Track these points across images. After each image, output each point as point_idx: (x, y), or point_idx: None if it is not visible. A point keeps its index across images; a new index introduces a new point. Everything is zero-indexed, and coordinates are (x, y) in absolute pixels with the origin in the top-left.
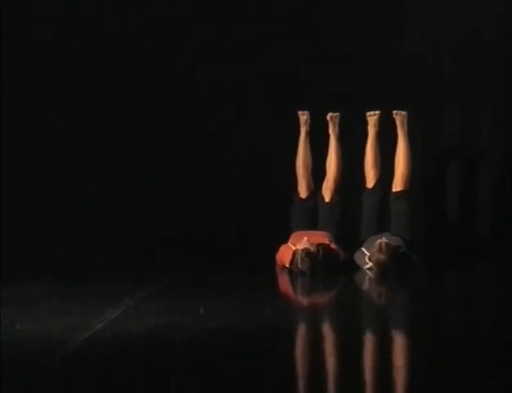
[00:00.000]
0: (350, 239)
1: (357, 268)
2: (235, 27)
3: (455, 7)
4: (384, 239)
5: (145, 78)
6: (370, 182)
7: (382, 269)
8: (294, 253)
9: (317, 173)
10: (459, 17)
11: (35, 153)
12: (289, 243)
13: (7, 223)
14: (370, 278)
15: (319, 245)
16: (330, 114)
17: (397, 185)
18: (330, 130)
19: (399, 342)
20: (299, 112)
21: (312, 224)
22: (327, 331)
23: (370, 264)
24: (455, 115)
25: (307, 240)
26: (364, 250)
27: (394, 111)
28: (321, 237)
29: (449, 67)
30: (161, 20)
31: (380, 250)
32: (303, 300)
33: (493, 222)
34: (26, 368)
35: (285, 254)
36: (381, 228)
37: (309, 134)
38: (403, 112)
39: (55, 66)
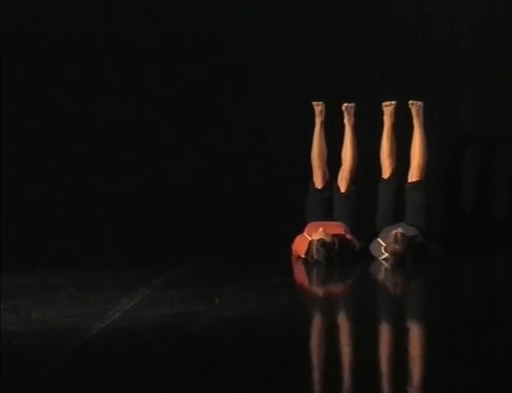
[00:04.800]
0: (366, 229)
1: (372, 258)
2: (247, 17)
3: None
4: (399, 229)
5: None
6: (386, 172)
7: (398, 260)
8: (310, 243)
9: (333, 163)
10: (475, 7)
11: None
12: (305, 233)
13: (22, 211)
14: (385, 269)
15: (335, 235)
16: (345, 104)
17: (413, 175)
18: (346, 120)
19: (415, 332)
20: (314, 103)
21: (327, 215)
22: (342, 321)
23: (386, 255)
24: (471, 104)
25: (323, 230)
26: (380, 240)
27: (410, 101)
28: (337, 228)
29: (464, 56)
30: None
31: (396, 240)
32: (319, 291)
33: (510, 211)
34: (42, 358)
35: (300, 244)
36: (397, 218)
37: (324, 125)
38: (419, 102)
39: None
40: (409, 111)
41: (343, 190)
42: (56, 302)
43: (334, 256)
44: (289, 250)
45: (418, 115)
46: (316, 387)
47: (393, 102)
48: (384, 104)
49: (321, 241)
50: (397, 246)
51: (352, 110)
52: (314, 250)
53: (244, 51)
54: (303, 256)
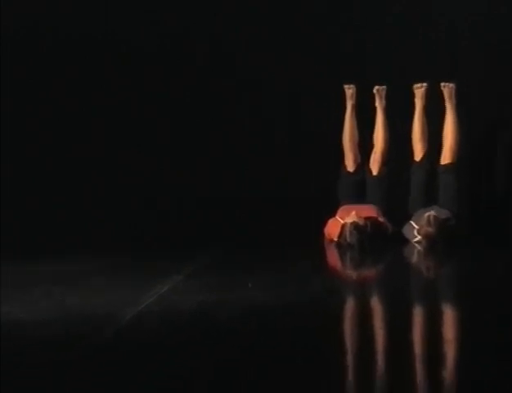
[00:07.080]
0: (398, 212)
1: (405, 241)
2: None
3: None
4: (432, 212)
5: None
6: (418, 155)
7: (430, 242)
8: (343, 227)
9: (365, 146)
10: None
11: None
12: (337, 217)
13: (54, 198)
14: (418, 252)
15: (367, 218)
16: (376, 87)
17: (445, 158)
18: (377, 103)
19: (448, 315)
20: (346, 86)
21: (359, 198)
22: (376, 305)
23: (419, 238)
24: (504, 87)
25: (356, 213)
26: (412, 223)
27: (442, 83)
28: (370, 211)
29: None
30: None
31: (429, 223)
32: (352, 274)
33: None
34: (77, 344)
35: (333, 227)
36: (429, 201)
37: (356, 107)
38: (451, 84)
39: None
40: (441, 93)
41: (375, 173)
42: (89, 288)
43: (366, 239)
44: (322, 234)
45: (450, 97)
46: (351, 371)
47: (425, 84)
48: (416, 86)
49: (354, 224)
50: (430, 229)
51: (383, 93)
52: (347, 233)
53: (275, 37)
54: (335, 239)
